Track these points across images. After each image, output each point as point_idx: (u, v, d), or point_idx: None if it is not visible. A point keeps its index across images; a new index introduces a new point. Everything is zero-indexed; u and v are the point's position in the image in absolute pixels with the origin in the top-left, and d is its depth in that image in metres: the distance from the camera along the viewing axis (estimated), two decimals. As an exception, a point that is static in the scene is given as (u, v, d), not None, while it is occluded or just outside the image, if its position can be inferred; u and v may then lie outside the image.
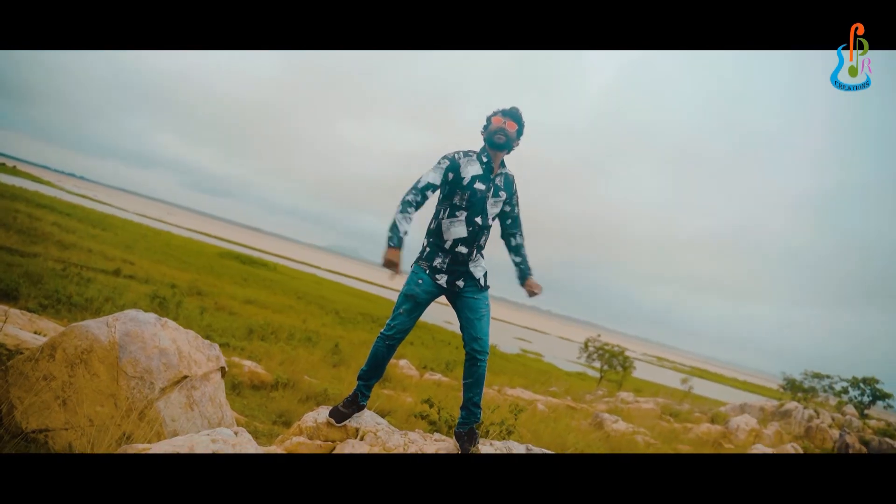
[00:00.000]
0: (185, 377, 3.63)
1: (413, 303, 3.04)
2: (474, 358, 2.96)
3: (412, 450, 2.79)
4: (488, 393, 12.16)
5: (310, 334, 15.33)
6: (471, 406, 2.99)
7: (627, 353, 25.57)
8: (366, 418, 3.02)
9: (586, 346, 25.70)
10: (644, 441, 8.74)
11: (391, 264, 2.87)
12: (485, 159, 3.08)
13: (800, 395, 23.56)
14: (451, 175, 3.06)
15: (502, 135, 3.02)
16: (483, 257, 3.13)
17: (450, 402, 10.38)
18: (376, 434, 2.85)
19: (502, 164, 3.14)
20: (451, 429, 3.92)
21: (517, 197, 3.22)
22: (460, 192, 3.03)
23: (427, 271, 3.05)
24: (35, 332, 4.68)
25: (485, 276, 3.10)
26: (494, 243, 3.24)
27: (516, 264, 3.26)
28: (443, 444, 2.95)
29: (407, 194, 3.02)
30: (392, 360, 14.36)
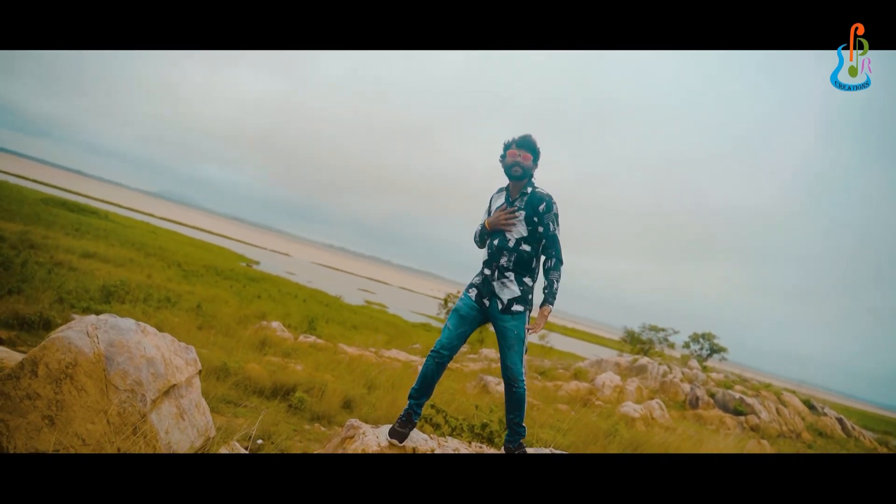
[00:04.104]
0: (174, 386, 3.49)
1: (457, 316, 3.19)
2: (508, 384, 3.13)
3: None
4: (367, 356, 12.37)
5: (167, 293, 14.41)
6: (514, 426, 3.19)
7: None
8: (415, 436, 3.20)
9: (446, 302, 26.75)
10: (528, 402, 9.61)
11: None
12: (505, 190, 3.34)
13: (639, 346, 26.31)
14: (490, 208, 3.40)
15: (518, 167, 3.19)
16: (514, 280, 3.14)
17: (339, 368, 10.45)
18: (433, 452, 3.05)
19: (530, 184, 3.24)
20: (454, 430, 4.17)
21: (550, 217, 3.17)
22: None
23: (467, 287, 3.31)
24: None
25: (512, 300, 3.12)
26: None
27: (543, 287, 3.21)
28: (494, 458, 3.21)
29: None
30: (264, 323, 13.96)
